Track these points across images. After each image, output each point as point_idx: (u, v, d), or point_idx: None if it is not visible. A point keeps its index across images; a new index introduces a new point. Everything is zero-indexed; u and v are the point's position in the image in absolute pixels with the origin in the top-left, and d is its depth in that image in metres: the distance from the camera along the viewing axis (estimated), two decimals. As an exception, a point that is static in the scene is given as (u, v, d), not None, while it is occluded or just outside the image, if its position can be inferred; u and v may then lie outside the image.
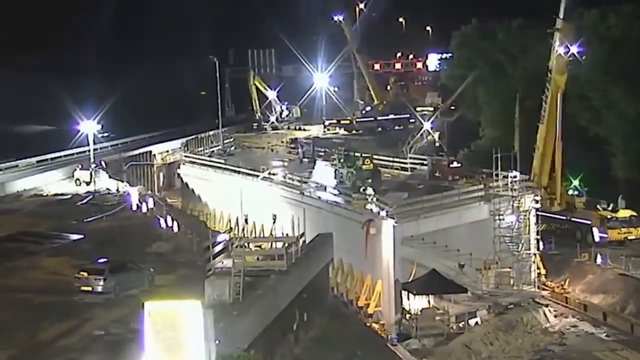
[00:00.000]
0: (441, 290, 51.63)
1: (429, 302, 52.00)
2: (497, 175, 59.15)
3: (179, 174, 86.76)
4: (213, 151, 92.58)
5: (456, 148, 78.52)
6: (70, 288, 41.11)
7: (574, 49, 64.70)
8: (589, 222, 64.33)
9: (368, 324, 50.18)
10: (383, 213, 53.82)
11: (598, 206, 65.16)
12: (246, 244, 40.45)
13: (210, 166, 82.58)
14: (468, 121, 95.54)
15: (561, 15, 65.01)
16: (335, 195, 61.53)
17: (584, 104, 78.25)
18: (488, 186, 59.12)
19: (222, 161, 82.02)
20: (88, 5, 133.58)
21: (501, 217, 57.03)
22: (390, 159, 77.14)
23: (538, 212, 68.30)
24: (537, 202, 59.94)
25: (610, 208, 64.52)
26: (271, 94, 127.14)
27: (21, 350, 32.70)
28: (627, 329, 50.65)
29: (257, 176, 71.24)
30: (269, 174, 70.47)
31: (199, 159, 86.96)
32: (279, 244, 41.11)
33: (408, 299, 51.80)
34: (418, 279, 51.95)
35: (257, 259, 41.39)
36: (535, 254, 58.43)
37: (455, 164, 69.86)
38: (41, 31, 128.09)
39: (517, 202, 57.79)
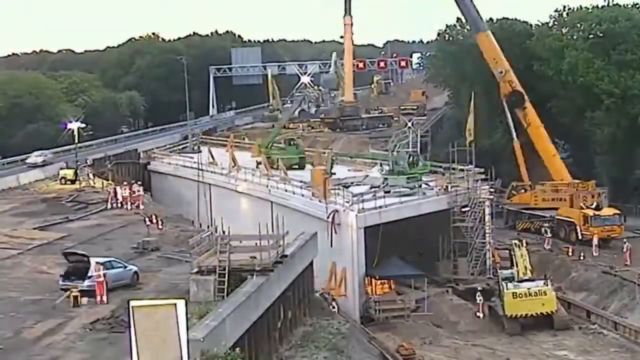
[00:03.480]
0: (401, 275, 55.17)
1: (390, 287, 55.37)
2: (454, 168, 62.04)
3: (148, 171, 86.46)
4: (182, 149, 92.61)
5: (441, 146, 78.84)
6: (55, 286, 41.11)
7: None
8: (572, 220, 64.77)
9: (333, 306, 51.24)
10: (347, 204, 55.58)
11: (581, 204, 65.65)
12: (231, 242, 40.38)
13: (177, 163, 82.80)
14: (454, 118, 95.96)
15: None
16: (300, 188, 61.88)
17: (568, 103, 78.94)
18: (446, 178, 61.97)
19: (190, 158, 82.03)
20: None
21: (458, 207, 59.26)
22: (352, 154, 78.24)
23: (523, 210, 69.62)
24: (491, 193, 62.81)
25: (593, 206, 65.01)
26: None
27: (6, 347, 32.72)
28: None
29: (222, 174, 72.14)
30: (237, 169, 70.85)
31: (165, 155, 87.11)
32: (264, 242, 41.07)
33: (371, 284, 54.53)
34: (380, 266, 54.83)
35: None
36: (489, 243, 60.55)
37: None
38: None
39: (473, 194, 59.92)
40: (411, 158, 62.08)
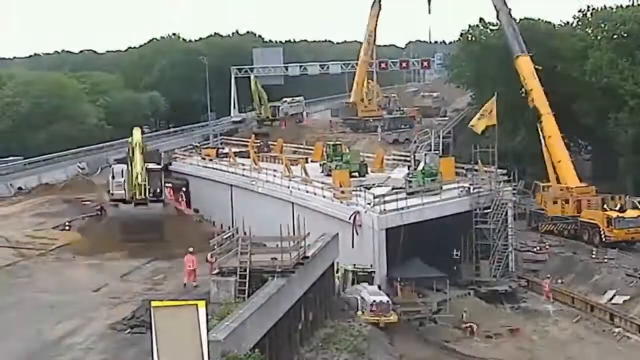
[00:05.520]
0: (423, 277, 54.22)
1: (412, 289, 54.17)
2: (476, 170, 61.19)
3: (169, 171, 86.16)
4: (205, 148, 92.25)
5: (464, 147, 78.38)
6: (75, 286, 41.22)
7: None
8: (596, 223, 64.26)
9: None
10: (369, 205, 55.10)
11: (605, 206, 65.16)
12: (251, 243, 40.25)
13: (199, 164, 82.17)
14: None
15: None
16: (321, 189, 61.52)
17: (592, 105, 78.42)
18: (469, 180, 61.05)
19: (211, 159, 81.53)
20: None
21: (481, 209, 58.49)
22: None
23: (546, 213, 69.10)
24: (514, 195, 62.52)
25: (617, 208, 64.50)
26: None
27: (28, 347, 32.76)
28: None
29: (243, 175, 71.85)
30: (258, 171, 70.67)
31: (187, 156, 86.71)
32: (285, 243, 40.93)
33: (392, 285, 53.59)
34: (401, 267, 54.13)
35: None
36: (512, 245, 59.94)
37: None
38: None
39: (496, 196, 59.27)
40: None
